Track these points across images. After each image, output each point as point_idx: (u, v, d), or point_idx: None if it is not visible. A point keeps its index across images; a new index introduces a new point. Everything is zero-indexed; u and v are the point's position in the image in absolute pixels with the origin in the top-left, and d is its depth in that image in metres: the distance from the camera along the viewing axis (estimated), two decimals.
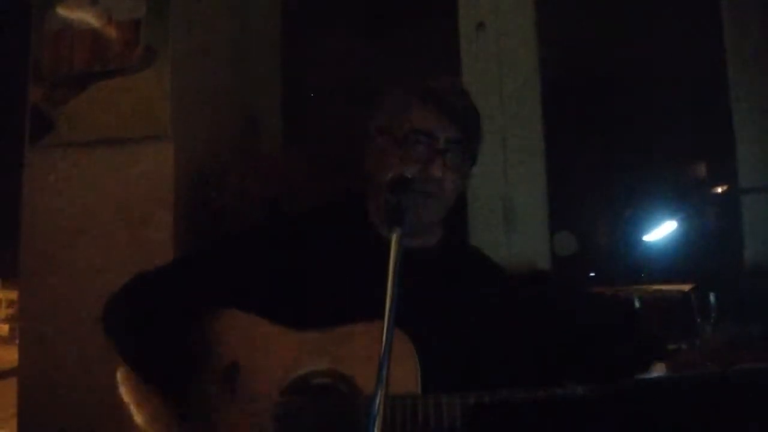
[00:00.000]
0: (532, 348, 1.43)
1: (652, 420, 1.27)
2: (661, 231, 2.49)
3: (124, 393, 1.34)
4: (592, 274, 2.46)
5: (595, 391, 1.19)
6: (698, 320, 1.22)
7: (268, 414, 1.24)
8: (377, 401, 0.98)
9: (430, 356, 1.25)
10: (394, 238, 1.13)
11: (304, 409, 1.26)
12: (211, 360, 1.32)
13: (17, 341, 2.07)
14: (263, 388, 1.28)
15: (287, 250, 1.44)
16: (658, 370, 1.21)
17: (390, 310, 1.05)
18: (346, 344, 1.29)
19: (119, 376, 1.35)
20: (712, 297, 1.22)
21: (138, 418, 1.31)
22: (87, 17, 2.03)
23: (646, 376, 1.21)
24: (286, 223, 1.54)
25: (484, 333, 1.40)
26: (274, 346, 1.32)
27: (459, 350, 1.35)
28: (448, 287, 1.43)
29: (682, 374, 1.19)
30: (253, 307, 1.36)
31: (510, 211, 2.12)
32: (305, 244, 1.45)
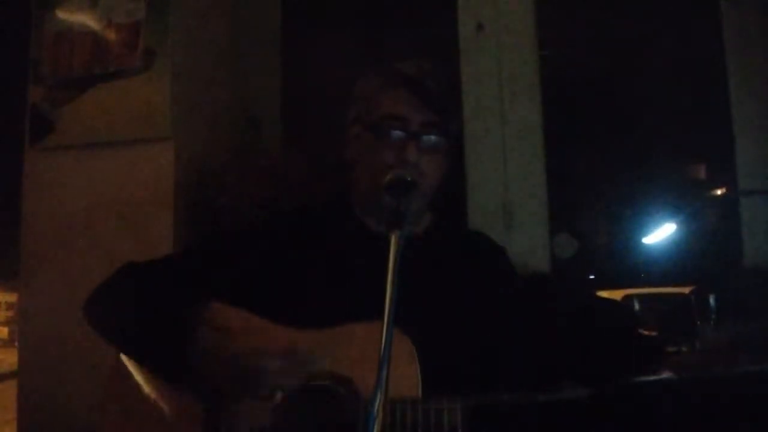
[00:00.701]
0: (530, 334, 1.42)
1: (653, 422, 1.27)
2: (661, 233, 2.48)
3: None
4: (591, 276, 2.46)
5: (595, 392, 1.19)
6: (698, 322, 1.22)
7: (266, 414, 1.24)
8: (377, 404, 0.97)
9: (427, 346, 1.24)
10: (393, 240, 1.12)
11: (304, 411, 1.25)
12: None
13: (17, 344, 2.08)
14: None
15: (277, 246, 1.43)
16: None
17: (389, 313, 1.04)
18: (345, 345, 1.27)
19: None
20: (711, 299, 1.23)
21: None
22: (87, 20, 2.03)
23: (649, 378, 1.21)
24: (277, 221, 1.53)
25: (481, 314, 1.39)
26: (269, 346, 1.29)
27: (456, 335, 1.34)
28: (437, 274, 1.41)
29: (681, 375, 1.19)
30: (244, 303, 1.34)
31: (510, 213, 2.12)
32: (295, 242, 1.44)
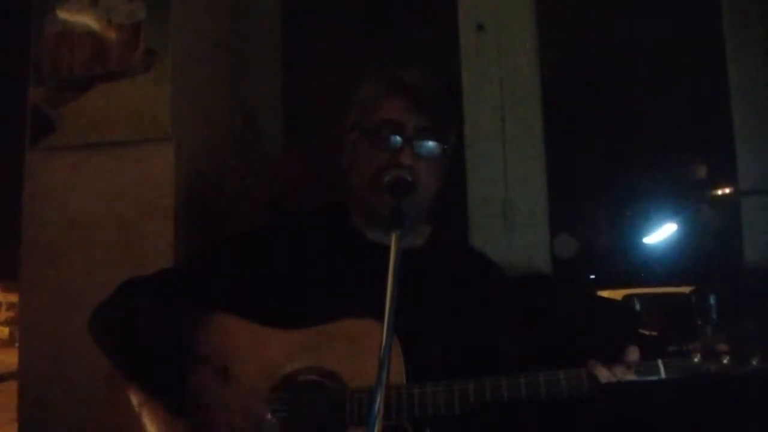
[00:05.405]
0: (526, 347, 1.44)
1: (653, 419, 1.27)
2: (662, 233, 2.49)
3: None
4: (592, 276, 2.46)
5: (592, 389, 1.20)
6: (699, 322, 1.22)
7: (259, 411, 1.25)
8: (377, 404, 0.99)
9: (417, 356, 1.27)
10: (393, 239, 1.14)
11: (295, 405, 1.28)
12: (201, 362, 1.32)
13: (17, 344, 2.08)
14: (253, 387, 1.29)
15: (273, 253, 1.46)
16: (631, 354, 1.22)
17: (390, 312, 1.06)
18: (330, 341, 1.31)
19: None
20: (712, 299, 1.23)
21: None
22: (87, 20, 2.03)
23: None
24: (273, 227, 1.55)
25: (474, 332, 1.41)
26: (261, 346, 1.34)
27: (447, 350, 1.36)
28: (435, 289, 1.43)
29: (682, 375, 1.19)
30: (241, 310, 1.38)
31: (510, 213, 2.12)
32: (292, 247, 1.47)
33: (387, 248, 1.13)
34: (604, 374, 1.21)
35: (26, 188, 2.06)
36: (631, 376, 1.20)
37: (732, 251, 2.02)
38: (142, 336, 1.36)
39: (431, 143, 1.42)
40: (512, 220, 2.12)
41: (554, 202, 2.14)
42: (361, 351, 1.25)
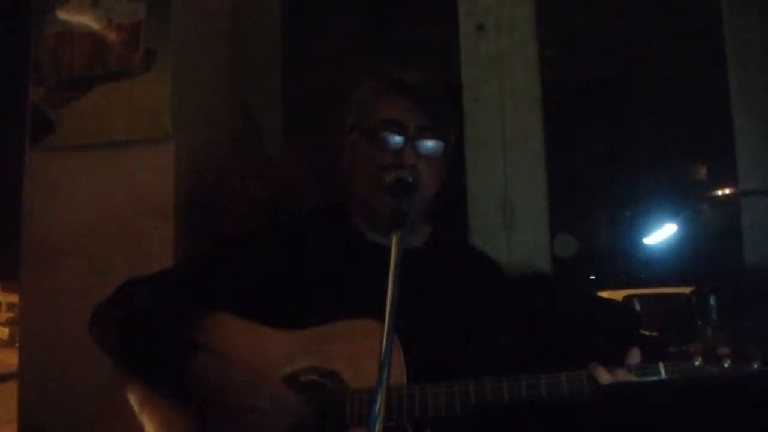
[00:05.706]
0: (527, 347, 1.44)
1: (654, 421, 1.27)
2: (662, 233, 2.49)
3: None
4: (592, 276, 2.46)
5: (593, 391, 1.20)
6: (699, 322, 1.22)
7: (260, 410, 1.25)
8: (378, 404, 0.98)
9: (417, 357, 1.27)
10: (394, 240, 1.14)
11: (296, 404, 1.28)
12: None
13: (17, 344, 2.08)
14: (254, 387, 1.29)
15: (273, 253, 1.46)
16: (632, 356, 1.22)
17: (390, 312, 1.06)
18: (331, 342, 1.31)
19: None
20: (712, 299, 1.22)
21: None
22: (87, 20, 2.03)
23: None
24: (273, 227, 1.55)
25: (474, 331, 1.41)
26: (262, 347, 1.34)
27: (447, 350, 1.36)
28: (435, 289, 1.43)
29: (682, 376, 1.19)
30: (242, 310, 1.38)
31: (510, 213, 2.12)
32: (292, 247, 1.47)
33: (387, 249, 1.12)
34: (604, 376, 1.21)
35: (26, 188, 2.07)
36: (631, 379, 1.20)
37: (732, 251, 2.02)
38: (142, 333, 1.36)
39: (433, 143, 1.42)
40: (512, 220, 2.12)
41: (554, 202, 2.14)
42: (362, 351, 1.25)
